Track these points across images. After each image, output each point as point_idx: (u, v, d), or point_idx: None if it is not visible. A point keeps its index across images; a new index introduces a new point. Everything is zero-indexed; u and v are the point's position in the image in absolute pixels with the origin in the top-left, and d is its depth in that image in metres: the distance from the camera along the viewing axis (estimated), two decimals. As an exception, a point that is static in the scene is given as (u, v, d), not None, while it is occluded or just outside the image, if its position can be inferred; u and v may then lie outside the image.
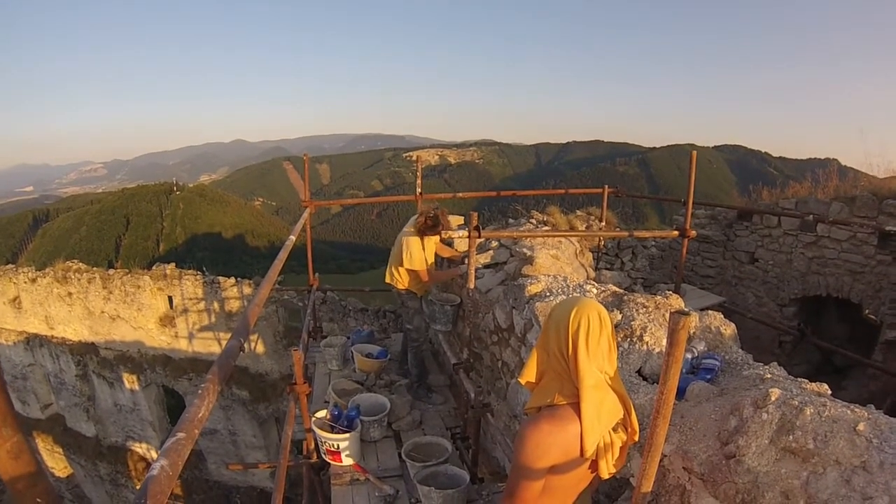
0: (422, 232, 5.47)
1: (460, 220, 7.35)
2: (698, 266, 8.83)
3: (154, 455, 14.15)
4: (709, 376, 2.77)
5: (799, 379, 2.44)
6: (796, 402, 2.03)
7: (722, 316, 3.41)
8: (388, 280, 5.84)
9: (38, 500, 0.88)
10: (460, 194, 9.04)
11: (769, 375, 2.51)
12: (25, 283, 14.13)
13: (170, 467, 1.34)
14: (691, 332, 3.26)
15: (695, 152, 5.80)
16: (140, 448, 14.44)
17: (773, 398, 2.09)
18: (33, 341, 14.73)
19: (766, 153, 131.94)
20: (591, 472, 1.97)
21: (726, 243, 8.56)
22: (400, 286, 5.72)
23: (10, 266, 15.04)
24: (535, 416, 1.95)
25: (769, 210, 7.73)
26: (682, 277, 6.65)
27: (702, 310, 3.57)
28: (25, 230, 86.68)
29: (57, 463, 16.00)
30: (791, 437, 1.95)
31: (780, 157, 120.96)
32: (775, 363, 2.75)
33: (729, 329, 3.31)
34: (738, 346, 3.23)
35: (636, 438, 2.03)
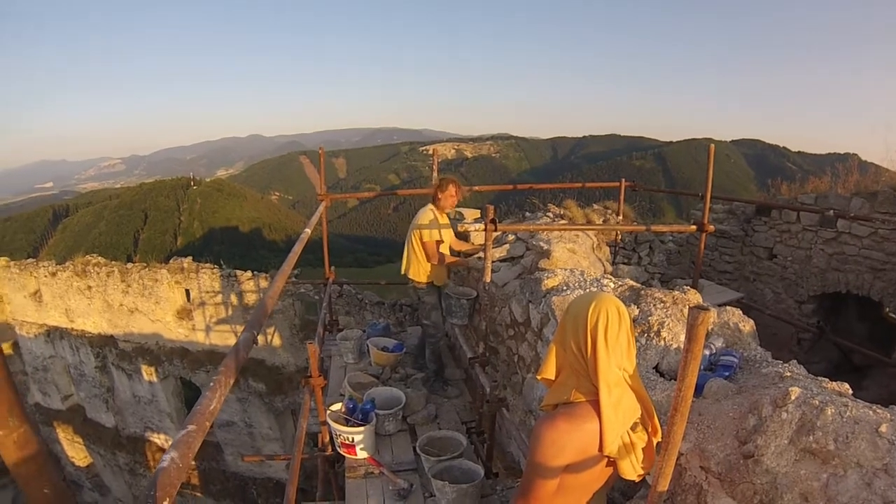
0: (433, 200, 5.57)
1: (476, 213, 7.32)
2: (716, 261, 8.74)
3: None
4: (727, 373, 2.73)
5: (819, 378, 2.40)
6: (817, 402, 2.00)
7: (741, 312, 3.38)
8: (404, 271, 5.83)
9: (45, 490, 0.89)
10: (477, 188, 9.01)
11: (788, 373, 2.48)
12: (46, 277, 14.35)
13: (180, 459, 1.37)
14: (709, 328, 3.22)
15: (713, 146, 5.71)
16: (158, 439, 14.63)
17: (792, 397, 2.06)
18: (54, 334, 14.98)
19: (784, 148, 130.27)
20: (608, 471, 1.94)
21: (744, 238, 8.46)
22: (417, 279, 5.70)
23: (30, 260, 15.30)
24: (552, 414, 1.91)
25: (788, 205, 7.60)
26: (700, 273, 6.59)
27: (720, 305, 3.53)
28: (45, 225, 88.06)
29: (77, 452, 16.29)
30: (811, 437, 1.92)
31: (798, 152, 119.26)
32: (794, 361, 2.71)
33: (748, 325, 3.27)
34: (756, 342, 3.19)
35: (659, 437, 1.97)
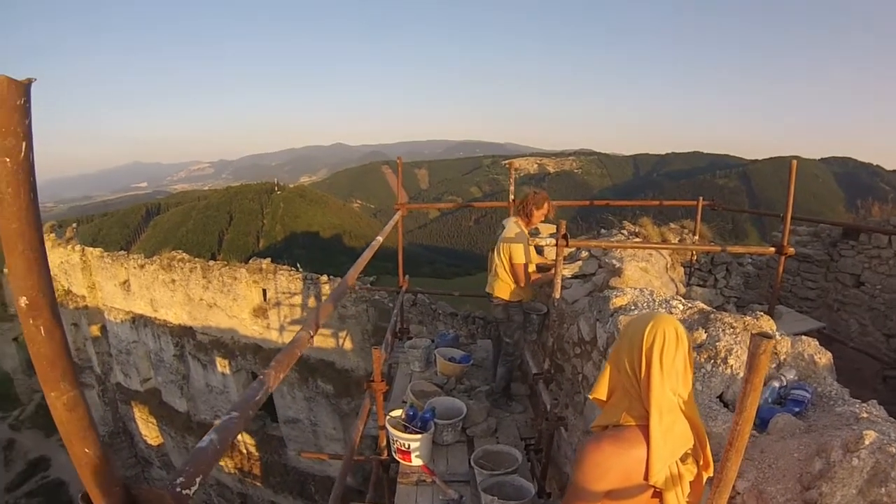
0: (525, 214, 5.42)
1: (552, 228, 7.25)
2: (797, 287, 8.27)
3: (239, 436, 14.89)
4: (797, 409, 2.57)
5: (901, 422, 2.22)
6: (894, 450, 1.84)
7: (817, 343, 3.18)
8: (490, 289, 5.61)
9: (87, 450, 0.97)
10: (554, 202, 8.92)
11: (865, 415, 2.31)
12: (135, 268, 15.33)
13: (218, 442, 1.42)
14: (781, 358, 3.06)
15: (795, 162, 5.41)
16: (226, 428, 15.27)
17: (866, 442, 1.91)
18: (138, 321, 15.97)
19: (878, 166, 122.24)
20: (653, 503, 1.84)
21: (829, 263, 7.94)
22: (504, 296, 5.47)
23: (122, 253, 16.47)
24: (598, 435, 1.86)
25: (879, 228, 7.08)
26: (778, 298, 6.25)
27: (796, 335, 3.34)
28: (138, 222, 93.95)
29: (150, 432, 17.27)
30: (883, 489, 1.76)
31: (894, 171, 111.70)
32: (875, 401, 2.52)
33: (824, 358, 3.08)
34: (833, 377, 3.00)
35: (710, 472, 1.86)
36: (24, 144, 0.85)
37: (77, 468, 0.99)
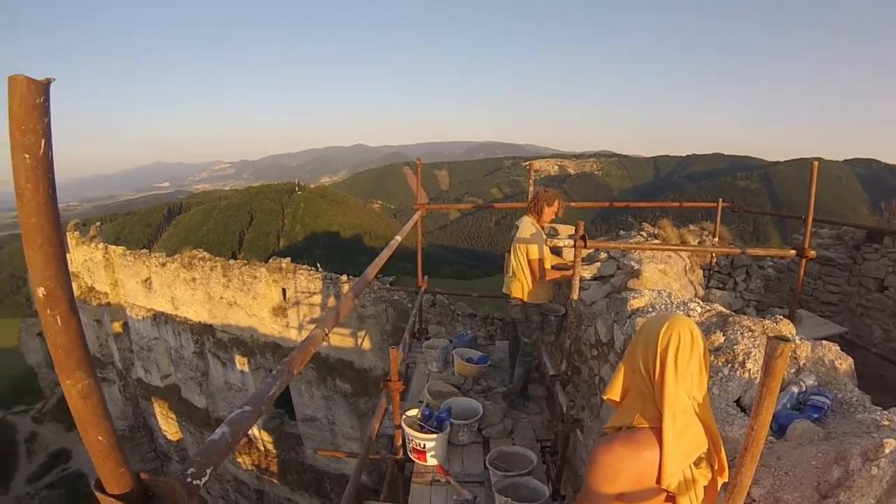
0: (536, 211, 5.42)
1: (571, 229, 7.23)
2: (819, 291, 8.13)
3: (256, 433, 15.03)
4: (816, 415, 2.53)
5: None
6: (914, 458, 1.81)
7: (838, 348, 3.13)
8: (507, 289, 5.60)
9: (99, 437, 1.00)
10: (573, 204, 8.89)
11: (887, 422, 2.26)
12: (157, 266, 15.56)
13: (230, 435, 1.45)
14: (801, 363, 3.02)
15: (816, 163, 5.32)
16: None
17: (886, 450, 1.87)
18: (159, 318, 16.22)
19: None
20: None
21: (852, 267, 7.80)
22: (522, 297, 5.47)
23: (144, 251, 16.73)
24: (610, 437, 1.84)
25: (904, 231, 6.96)
26: (799, 302, 6.16)
27: (816, 339, 3.29)
28: (161, 221, 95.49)
29: (170, 427, 17.54)
30: (903, 498, 1.74)
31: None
32: (897, 408, 2.47)
33: (845, 364, 3.03)
34: (854, 383, 2.94)
35: (724, 477, 1.83)
36: (42, 142, 0.88)
37: (90, 454, 1.03)
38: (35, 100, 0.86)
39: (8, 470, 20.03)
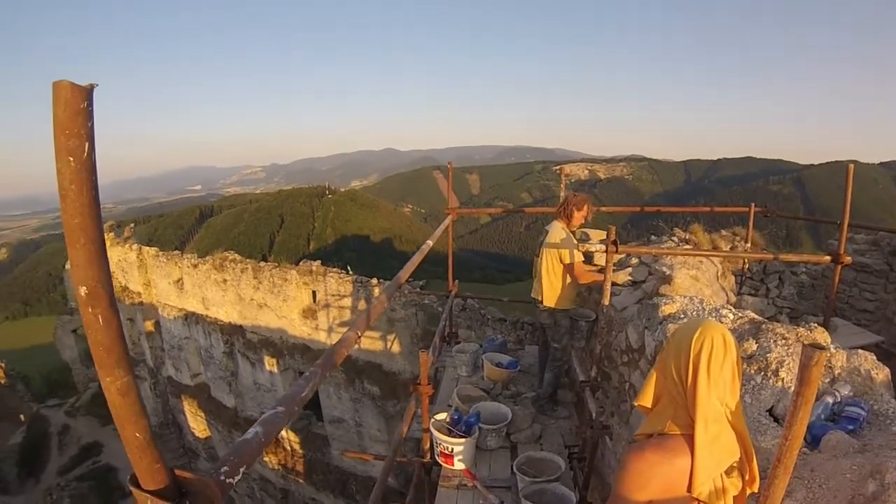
0: (565, 216, 5.38)
1: (602, 234, 7.20)
2: (854, 298, 7.94)
3: (283, 433, 15.18)
4: (851, 427, 2.49)
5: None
6: (952, 471, 1.78)
7: (874, 358, 3.07)
8: (537, 294, 5.58)
9: (137, 434, 1.03)
10: (604, 208, 8.85)
11: (924, 434, 2.23)
12: (188, 268, 15.88)
13: (263, 435, 1.48)
14: (836, 373, 2.97)
15: (852, 166, 5.21)
16: (271, 425, 15.62)
17: (923, 463, 1.85)
18: (190, 318, 16.55)
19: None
20: None
21: (889, 274, 7.59)
22: (551, 303, 5.43)
23: (176, 252, 17.12)
24: (641, 443, 1.82)
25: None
26: (834, 310, 6.04)
27: (852, 348, 3.23)
28: (192, 223, 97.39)
29: (198, 425, 17.87)
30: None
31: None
32: (935, 421, 2.42)
33: (881, 374, 2.97)
34: (891, 394, 2.89)
35: (755, 488, 1.80)
36: (86, 145, 0.91)
37: (127, 450, 1.06)
38: (79, 105, 0.88)
39: (40, 461, 20.52)
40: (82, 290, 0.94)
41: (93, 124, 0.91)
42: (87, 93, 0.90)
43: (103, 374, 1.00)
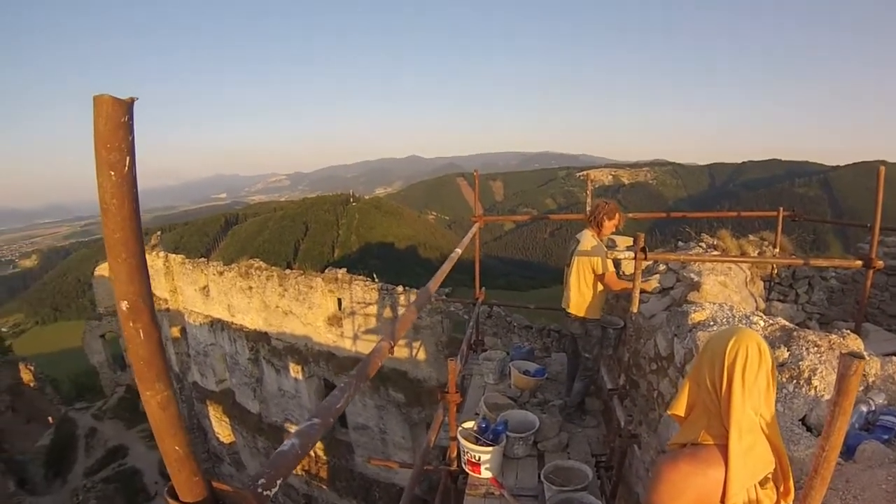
0: (596, 224, 5.32)
1: (629, 241, 7.14)
2: (886, 304, 7.75)
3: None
4: (886, 436, 2.45)
5: None
6: None
7: (909, 365, 3.02)
8: (566, 304, 5.50)
9: (176, 447, 1.04)
10: (630, 214, 8.80)
11: (962, 444, 2.19)
12: (214, 275, 16.10)
13: (300, 447, 1.48)
14: (870, 381, 2.93)
15: (882, 168, 5.13)
16: (296, 431, 15.74)
17: (962, 473, 1.82)
18: (216, 325, 16.77)
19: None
20: None
21: (922, 279, 7.45)
22: (582, 313, 5.37)
23: (202, 260, 17.40)
24: (675, 454, 1.81)
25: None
26: (865, 315, 5.93)
27: (885, 355, 3.18)
28: (218, 231, 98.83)
29: (223, 430, 18.06)
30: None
31: None
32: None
33: (917, 382, 2.93)
34: (927, 403, 2.84)
35: (789, 500, 1.77)
36: (127, 159, 0.91)
37: (166, 463, 1.07)
38: (120, 119, 0.88)
39: (67, 462, 20.87)
40: (123, 305, 0.94)
41: (133, 138, 0.91)
42: (128, 106, 0.90)
43: (143, 388, 1.00)
